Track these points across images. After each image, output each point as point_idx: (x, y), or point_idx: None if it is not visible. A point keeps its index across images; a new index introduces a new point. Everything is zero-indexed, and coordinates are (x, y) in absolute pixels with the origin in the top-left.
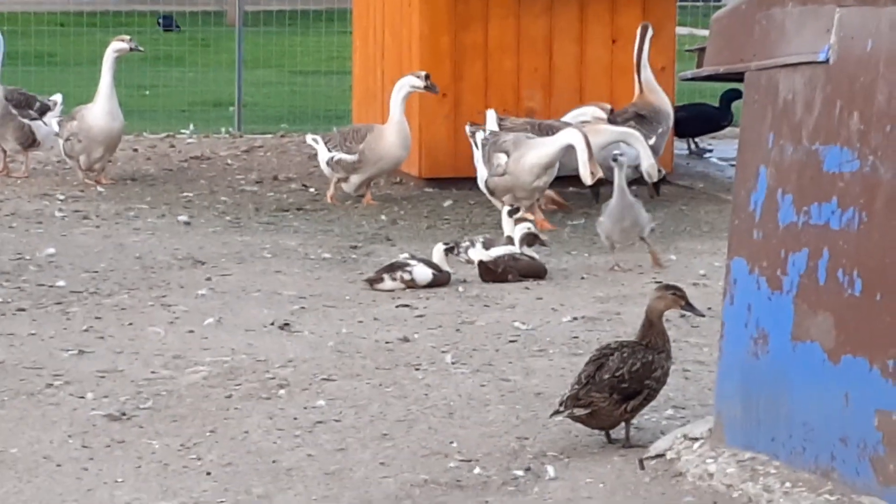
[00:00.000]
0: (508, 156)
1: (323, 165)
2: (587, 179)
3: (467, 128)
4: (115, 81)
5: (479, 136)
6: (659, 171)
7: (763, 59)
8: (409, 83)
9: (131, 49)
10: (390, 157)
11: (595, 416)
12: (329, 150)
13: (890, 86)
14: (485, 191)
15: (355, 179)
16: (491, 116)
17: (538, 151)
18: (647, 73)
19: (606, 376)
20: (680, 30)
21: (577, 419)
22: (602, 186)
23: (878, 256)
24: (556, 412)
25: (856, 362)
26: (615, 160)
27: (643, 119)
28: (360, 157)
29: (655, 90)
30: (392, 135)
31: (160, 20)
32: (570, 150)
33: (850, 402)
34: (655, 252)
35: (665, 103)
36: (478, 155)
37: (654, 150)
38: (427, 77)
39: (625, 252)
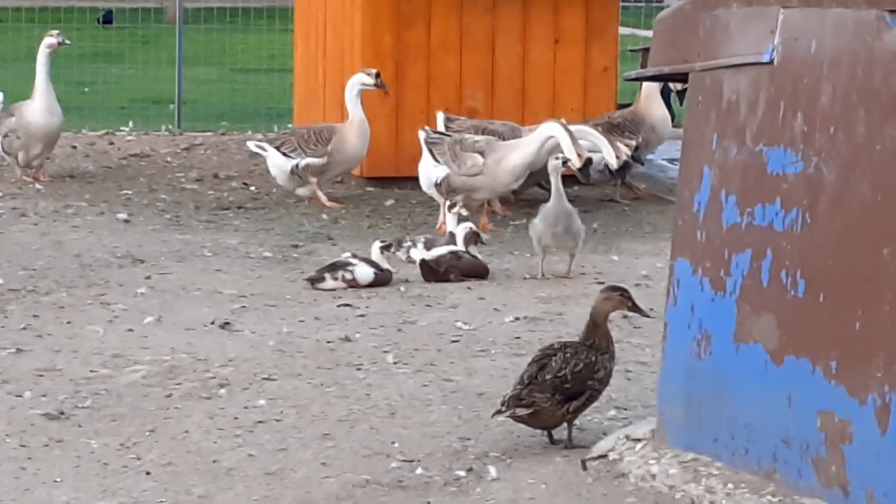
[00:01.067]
0: (484, 156)
1: (278, 172)
2: (576, 163)
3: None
4: (51, 77)
5: (423, 135)
6: (627, 156)
7: (707, 60)
8: (359, 81)
9: (59, 44)
10: (356, 157)
11: (537, 417)
12: (286, 156)
13: (834, 87)
14: (433, 189)
15: (319, 180)
16: (440, 118)
17: (520, 152)
18: (649, 83)
19: (549, 377)
20: (622, 30)
21: (519, 419)
22: (589, 166)
23: (821, 258)
24: (498, 412)
25: (799, 363)
26: (564, 163)
27: (615, 127)
28: (328, 160)
29: (651, 100)
30: (356, 135)
31: (99, 16)
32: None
33: (793, 403)
34: (570, 265)
35: (654, 114)
36: (427, 155)
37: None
38: (377, 75)
39: (556, 258)
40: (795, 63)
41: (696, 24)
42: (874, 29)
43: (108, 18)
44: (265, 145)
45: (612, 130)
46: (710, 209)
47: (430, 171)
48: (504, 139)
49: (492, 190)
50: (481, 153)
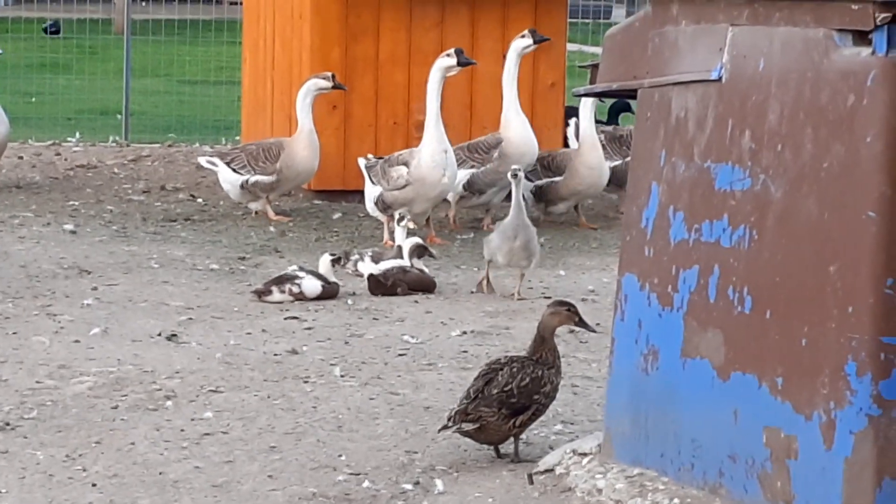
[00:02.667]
0: (408, 166)
1: (230, 187)
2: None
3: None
4: None
5: (363, 162)
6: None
7: (656, 77)
8: (315, 86)
9: None
10: (308, 171)
11: (484, 431)
12: (236, 172)
13: (781, 105)
14: (375, 210)
15: (271, 196)
16: (362, 164)
17: (427, 137)
18: None
19: (495, 391)
20: (569, 46)
21: (465, 434)
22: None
23: (767, 274)
24: (445, 427)
25: (745, 379)
26: (514, 175)
27: (616, 139)
28: (278, 177)
29: None
30: (305, 148)
31: (46, 26)
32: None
33: (739, 418)
34: (520, 286)
35: None
36: (367, 179)
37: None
38: (333, 76)
39: (507, 278)
40: (744, 81)
41: (645, 41)
42: (822, 47)
43: (54, 28)
44: (216, 160)
45: (614, 141)
46: (658, 225)
47: (368, 193)
48: (489, 147)
49: (426, 196)
50: (405, 164)
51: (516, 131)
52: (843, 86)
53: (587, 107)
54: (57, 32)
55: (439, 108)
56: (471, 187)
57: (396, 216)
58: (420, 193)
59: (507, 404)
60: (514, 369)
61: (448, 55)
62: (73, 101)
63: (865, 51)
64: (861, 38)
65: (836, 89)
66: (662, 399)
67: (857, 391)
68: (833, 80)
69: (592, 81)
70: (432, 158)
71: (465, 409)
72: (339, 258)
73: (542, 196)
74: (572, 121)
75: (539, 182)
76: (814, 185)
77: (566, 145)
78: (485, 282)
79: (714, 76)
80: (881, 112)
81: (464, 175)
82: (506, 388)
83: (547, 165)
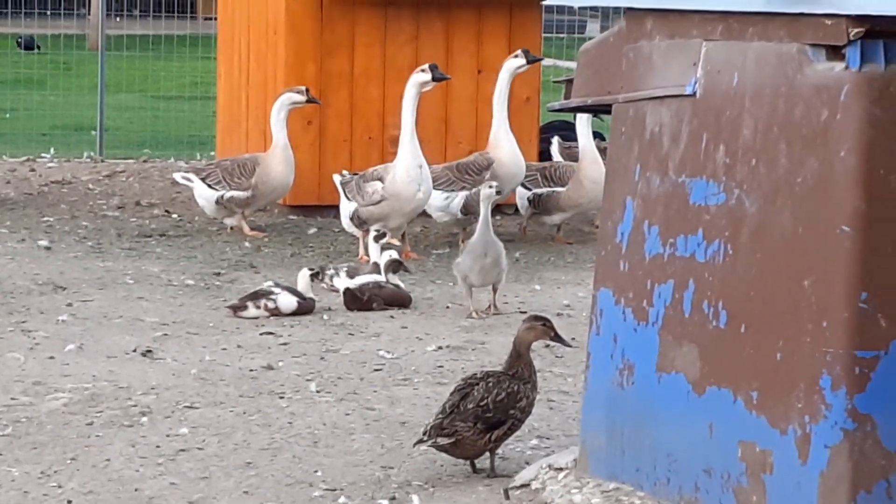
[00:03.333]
0: (383, 181)
1: (205, 203)
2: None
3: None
4: None
5: (337, 178)
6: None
7: (631, 92)
8: (289, 100)
9: None
10: (283, 186)
11: (459, 446)
12: (211, 188)
13: (755, 120)
14: (350, 226)
15: (246, 212)
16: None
17: (401, 152)
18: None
19: (471, 406)
20: (544, 61)
21: (441, 448)
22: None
23: (742, 289)
24: (420, 441)
25: (720, 394)
26: (499, 192)
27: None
28: (253, 193)
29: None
30: (280, 163)
31: (20, 41)
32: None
33: (715, 433)
34: (494, 299)
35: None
36: (342, 195)
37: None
38: (307, 90)
39: (482, 293)
40: (718, 96)
41: (619, 56)
42: (795, 62)
43: (29, 44)
44: (191, 176)
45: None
46: (633, 239)
47: (344, 209)
48: (480, 168)
49: (401, 211)
50: (380, 179)
51: (506, 152)
52: (816, 100)
53: (584, 122)
54: (31, 48)
55: (414, 124)
56: (467, 210)
57: (373, 234)
58: (395, 208)
59: (482, 419)
60: (490, 384)
61: (423, 70)
62: (48, 117)
63: (839, 65)
64: (834, 52)
65: (809, 104)
66: (638, 413)
67: (832, 405)
68: (807, 95)
69: (567, 96)
70: (407, 174)
71: (441, 423)
72: (318, 273)
73: (539, 204)
74: (555, 139)
75: (539, 190)
76: (788, 200)
77: (546, 159)
78: (474, 313)
79: (688, 91)
80: (855, 126)
81: (459, 199)
82: (481, 403)
83: (549, 176)
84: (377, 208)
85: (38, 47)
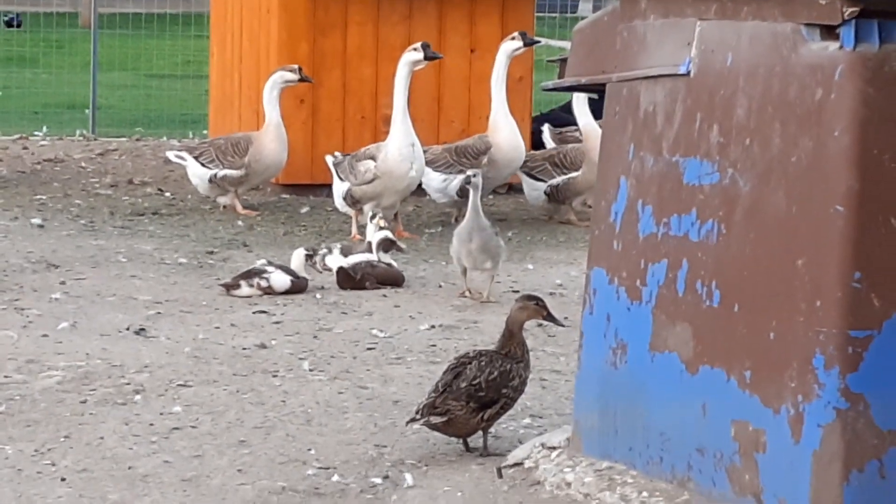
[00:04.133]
0: (375, 160)
1: (199, 182)
2: None
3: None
4: None
5: (330, 159)
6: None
7: (624, 71)
8: (281, 79)
9: None
10: (276, 165)
11: (452, 424)
12: (205, 166)
13: (749, 100)
14: (344, 206)
15: (239, 191)
16: (329, 161)
17: (394, 131)
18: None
19: (463, 385)
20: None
21: (433, 427)
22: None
23: (735, 268)
24: (413, 420)
25: (713, 373)
26: (468, 182)
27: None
28: (246, 171)
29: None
30: (273, 141)
31: (9, 20)
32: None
33: (708, 412)
34: (489, 287)
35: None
36: (334, 176)
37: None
38: (300, 69)
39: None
40: (712, 75)
41: (613, 35)
42: (790, 42)
43: (13, 21)
44: (185, 154)
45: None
46: (627, 219)
47: (337, 189)
48: (478, 152)
49: (394, 189)
50: (373, 158)
51: (505, 136)
52: (810, 80)
53: (581, 101)
54: (19, 25)
55: (406, 103)
56: (463, 193)
57: (368, 213)
58: (388, 187)
59: (475, 398)
60: (483, 363)
61: (415, 49)
62: (40, 95)
63: (833, 45)
64: (829, 32)
65: (803, 83)
66: (631, 393)
67: (825, 384)
68: (801, 75)
69: (561, 76)
70: (399, 152)
71: (433, 402)
72: (313, 254)
73: (559, 194)
74: (545, 126)
75: (554, 181)
76: (782, 179)
77: (536, 147)
78: (467, 292)
79: (682, 70)
80: (848, 106)
81: (456, 182)
82: (474, 382)
83: (558, 163)
84: (370, 187)
85: (20, 24)
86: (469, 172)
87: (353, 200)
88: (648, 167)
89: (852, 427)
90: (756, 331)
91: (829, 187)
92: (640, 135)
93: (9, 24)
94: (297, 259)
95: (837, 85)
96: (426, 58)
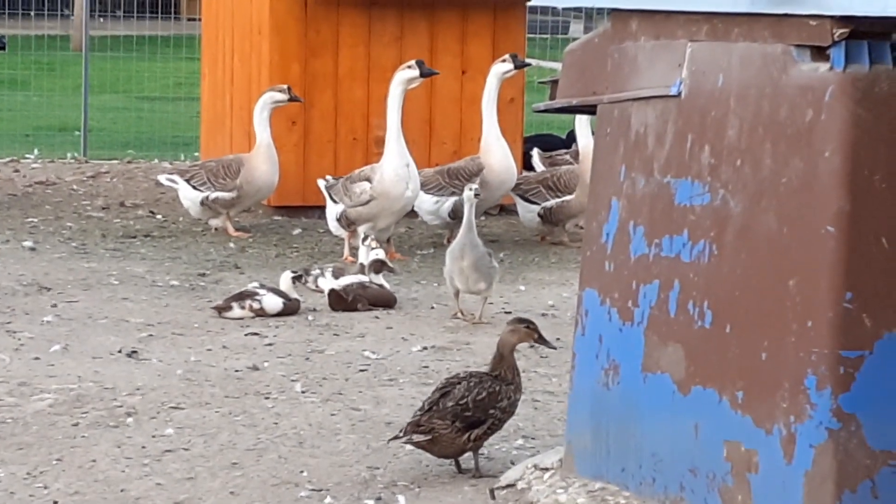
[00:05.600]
0: (371, 181)
1: (190, 204)
2: None
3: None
4: None
5: (322, 183)
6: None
7: (616, 92)
8: (271, 100)
9: None
10: (268, 186)
11: (437, 443)
12: (196, 189)
13: (740, 120)
14: (338, 228)
15: (231, 213)
16: (322, 185)
17: (388, 151)
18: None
19: (450, 404)
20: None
21: (418, 445)
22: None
23: (727, 289)
24: (396, 437)
25: (705, 394)
26: (477, 195)
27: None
28: (238, 193)
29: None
30: (264, 162)
31: None
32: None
33: (700, 432)
34: (482, 309)
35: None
36: (327, 199)
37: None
38: (289, 89)
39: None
40: (703, 96)
41: (604, 57)
42: (780, 63)
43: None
44: (176, 178)
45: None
46: (619, 240)
47: (330, 212)
48: (470, 174)
49: (390, 210)
50: (368, 180)
51: (497, 158)
52: (801, 101)
53: (583, 123)
54: (3, 48)
55: (400, 121)
56: (456, 214)
57: (361, 235)
58: (384, 207)
59: (461, 417)
60: (472, 384)
61: (409, 67)
62: (32, 118)
63: (823, 66)
64: (819, 53)
65: (794, 104)
66: (623, 413)
67: (817, 405)
68: (791, 96)
69: (552, 97)
70: (395, 172)
71: (419, 420)
72: (301, 276)
73: (552, 217)
74: (535, 151)
75: (547, 204)
76: (773, 200)
77: (528, 169)
78: (459, 313)
79: (673, 92)
80: (839, 127)
81: (448, 204)
82: (461, 402)
83: (552, 186)
84: (366, 209)
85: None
86: (473, 186)
87: (348, 222)
88: (640, 188)
89: (844, 447)
90: (748, 351)
91: (819, 208)
92: (631, 156)
93: None
94: (284, 282)
95: (828, 106)
96: (422, 74)
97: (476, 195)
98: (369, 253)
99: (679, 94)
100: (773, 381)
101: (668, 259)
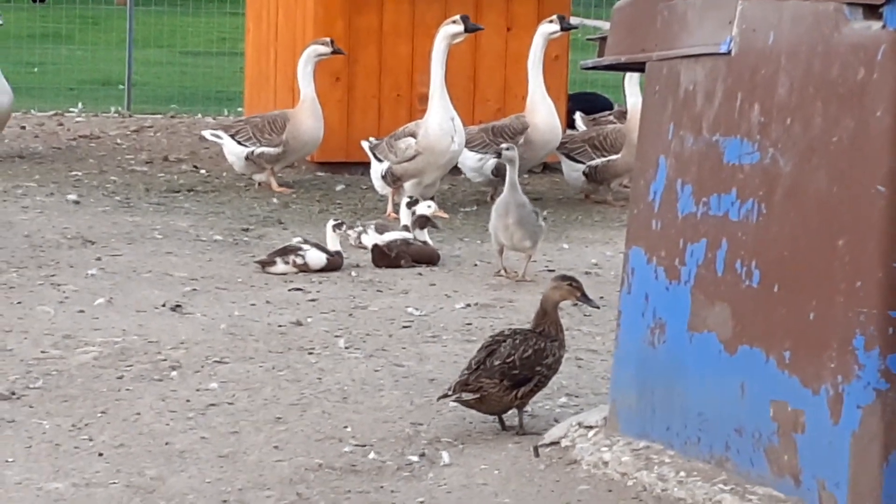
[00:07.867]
0: (416, 136)
1: (235, 159)
2: None
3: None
4: None
5: (366, 144)
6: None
7: (664, 50)
8: (314, 52)
9: None
10: (314, 141)
11: (485, 402)
12: (241, 144)
13: (791, 79)
14: (384, 187)
15: (276, 168)
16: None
17: (433, 105)
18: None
19: (497, 362)
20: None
21: (466, 404)
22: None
23: (776, 248)
24: (445, 395)
25: (752, 353)
26: (499, 156)
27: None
28: (284, 148)
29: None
30: (310, 117)
31: None
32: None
33: (746, 392)
34: (525, 267)
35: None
36: (372, 159)
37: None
38: (332, 42)
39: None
40: (753, 54)
41: (654, 14)
42: (832, 21)
43: None
44: (221, 133)
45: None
46: (666, 198)
47: (375, 170)
48: (514, 132)
49: (436, 164)
50: (413, 135)
51: (542, 117)
52: (853, 60)
53: (633, 82)
54: (43, 0)
55: (444, 77)
56: (498, 172)
57: (406, 200)
58: (430, 162)
59: (508, 375)
60: (517, 341)
61: (454, 21)
62: (76, 72)
63: (876, 25)
64: (871, 12)
65: (845, 63)
66: (669, 372)
67: (865, 365)
68: (843, 54)
69: (601, 55)
70: (440, 126)
71: (466, 379)
72: (342, 223)
73: (597, 176)
74: (577, 114)
75: (593, 163)
76: (823, 159)
77: (571, 128)
78: (503, 271)
79: (723, 49)
80: (891, 86)
81: (492, 162)
82: (508, 360)
83: (598, 145)
84: (411, 164)
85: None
86: (503, 146)
87: (394, 178)
88: (688, 146)
89: (892, 408)
90: (796, 311)
91: (870, 167)
92: (679, 114)
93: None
94: (329, 235)
95: (880, 65)
96: (467, 30)
97: (507, 150)
98: (416, 212)
99: (729, 51)
100: (820, 341)
101: (716, 218)
